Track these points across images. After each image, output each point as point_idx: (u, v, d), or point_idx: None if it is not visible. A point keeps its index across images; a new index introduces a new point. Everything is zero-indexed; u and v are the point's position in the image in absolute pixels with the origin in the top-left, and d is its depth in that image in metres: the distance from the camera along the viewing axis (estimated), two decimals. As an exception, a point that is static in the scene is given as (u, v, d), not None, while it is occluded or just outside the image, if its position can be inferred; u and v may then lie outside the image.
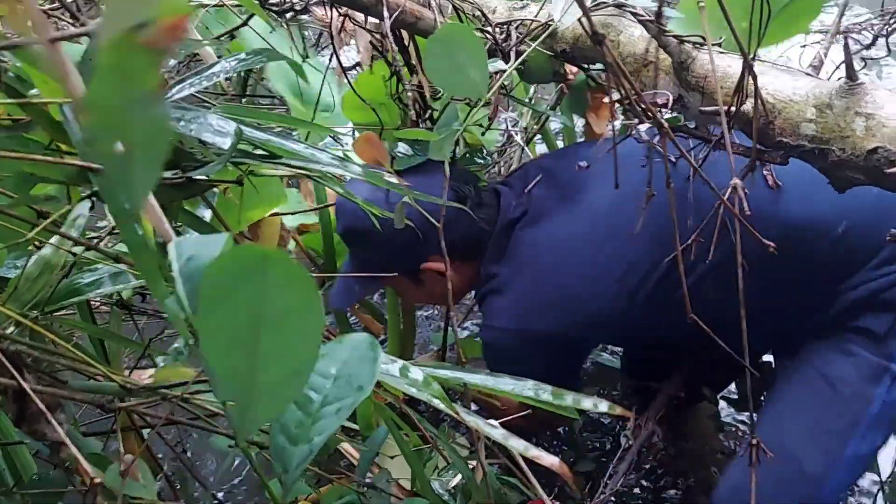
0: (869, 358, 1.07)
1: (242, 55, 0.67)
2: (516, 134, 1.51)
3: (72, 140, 0.53)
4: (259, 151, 0.71)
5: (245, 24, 0.74)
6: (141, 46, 0.31)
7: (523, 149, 1.58)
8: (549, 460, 0.64)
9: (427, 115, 1.14)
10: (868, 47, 1.85)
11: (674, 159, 0.97)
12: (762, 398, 1.44)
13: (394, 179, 0.73)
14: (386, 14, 0.83)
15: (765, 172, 1.11)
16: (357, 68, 1.50)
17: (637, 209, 1.09)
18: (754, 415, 0.94)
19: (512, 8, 1.35)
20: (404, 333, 1.65)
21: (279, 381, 0.37)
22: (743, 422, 1.66)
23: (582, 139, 1.67)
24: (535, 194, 1.24)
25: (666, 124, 0.86)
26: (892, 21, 1.68)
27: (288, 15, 0.92)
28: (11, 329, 0.75)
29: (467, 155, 1.33)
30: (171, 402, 0.58)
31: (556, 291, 1.17)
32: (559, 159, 1.33)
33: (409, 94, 1.07)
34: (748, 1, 1.08)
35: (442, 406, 0.64)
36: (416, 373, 0.62)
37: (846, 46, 0.78)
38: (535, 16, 1.20)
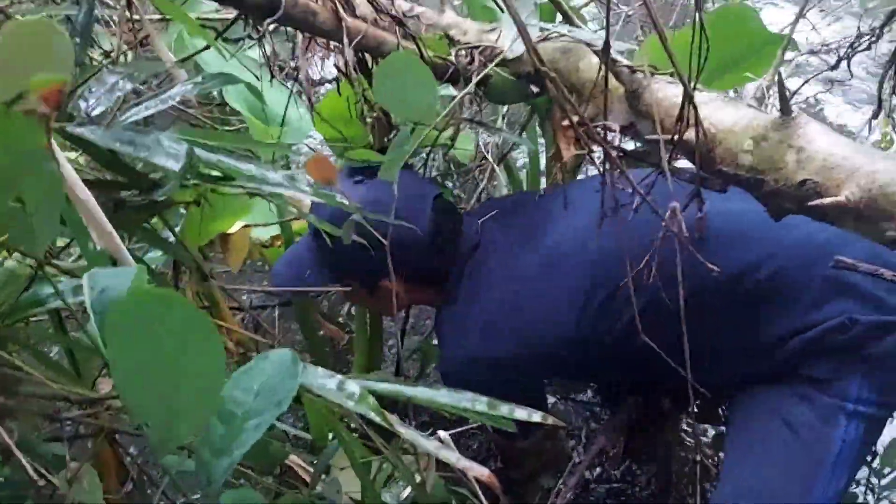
0: (822, 399, 1.09)
1: (199, 78, 0.70)
2: (488, 153, 1.54)
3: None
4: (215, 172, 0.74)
5: (206, 49, 0.77)
6: (22, 114, 0.34)
7: (494, 169, 1.62)
8: (478, 471, 0.66)
9: (392, 135, 1.17)
10: (833, 68, 1.89)
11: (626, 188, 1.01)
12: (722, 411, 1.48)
13: (343, 200, 0.76)
14: (346, 41, 0.86)
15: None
16: (333, 83, 1.53)
17: (587, 238, 1.15)
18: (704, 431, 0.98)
19: (482, 31, 1.39)
20: (371, 342, 1.67)
21: (191, 403, 0.40)
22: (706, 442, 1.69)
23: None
24: (493, 224, 1.28)
25: (613, 152, 0.90)
26: (855, 45, 1.72)
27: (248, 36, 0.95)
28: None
29: (436, 179, 1.36)
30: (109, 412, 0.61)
31: (506, 319, 1.20)
32: (518, 199, 1.40)
33: (373, 113, 1.10)
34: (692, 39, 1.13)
35: (377, 419, 0.67)
36: (353, 387, 0.65)
37: (780, 83, 0.82)
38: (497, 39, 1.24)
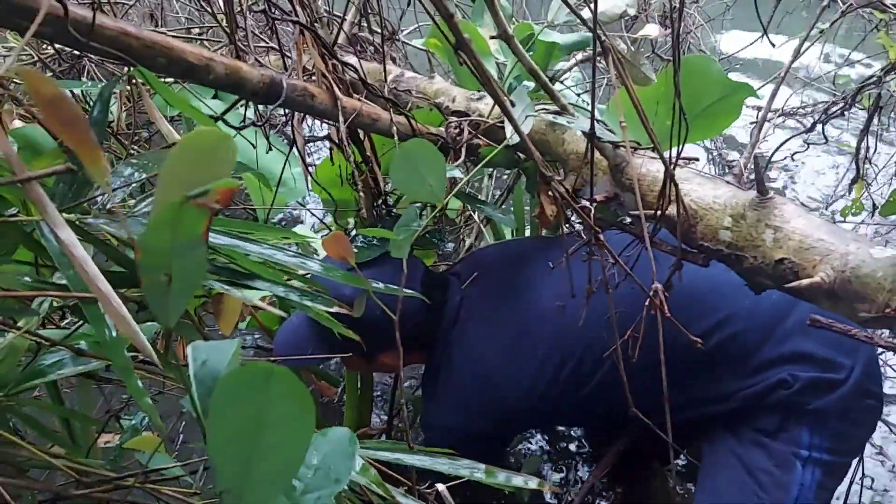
0: (775, 446, 1.14)
1: None
2: (474, 212, 1.58)
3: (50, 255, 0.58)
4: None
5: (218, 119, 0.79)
6: (195, 207, 0.41)
7: (482, 228, 1.65)
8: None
9: (381, 201, 1.20)
10: (808, 131, 1.96)
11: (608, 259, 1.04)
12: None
13: (357, 275, 0.78)
14: (342, 119, 0.90)
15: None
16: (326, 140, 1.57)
17: (557, 315, 1.20)
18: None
19: (469, 98, 1.43)
20: (361, 400, 1.68)
21: (272, 474, 0.43)
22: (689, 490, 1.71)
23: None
24: (473, 291, 1.31)
25: (596, 228, 0.93)
26: (829, 111, 1.79)
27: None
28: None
29: (426, 235, 1.39)
30: (131, 487, 0.62)
31: (479, 397, 1.24)
32: (502, 256, 1.41)
33: (364, 182, 1.13)
34: (669, 103, 1.18)
35: (379, 492, 0.68)
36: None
37: (756, 163, 0.86)
38: (491, 110, 1.28)
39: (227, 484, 0.44)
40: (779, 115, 2.22)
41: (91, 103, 1.20)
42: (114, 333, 0.56)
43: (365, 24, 1.71)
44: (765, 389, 1.13)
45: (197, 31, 2.17)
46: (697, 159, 1.39)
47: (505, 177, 2.11)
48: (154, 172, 0.68)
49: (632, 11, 1.14)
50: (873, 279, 0.74)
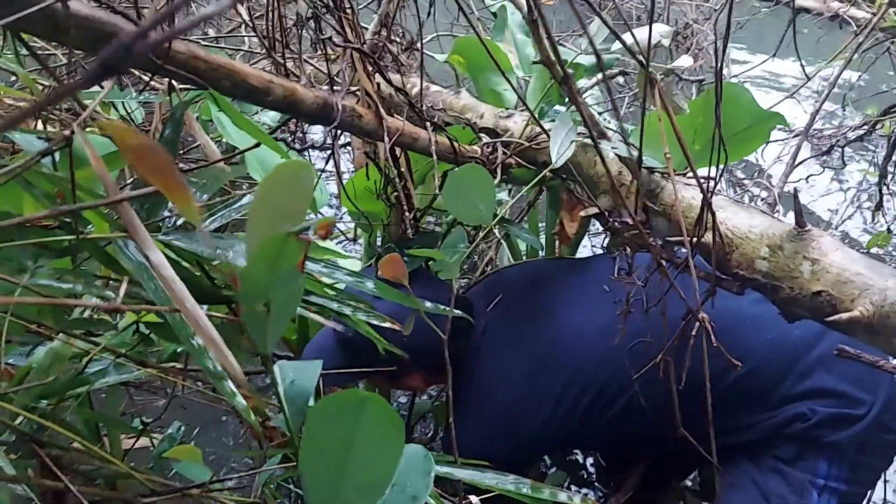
0: (793, 473, 1.16)
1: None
2: (494, 228, 1.59)
3: (125, 269, 0.59)
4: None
5: (251, 148, 0.81)
6: (294, 240, 0.44)
7: (500, 242, 1.66)
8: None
9: (412, 215, 1.22)
10: (826, 153, 1.98)
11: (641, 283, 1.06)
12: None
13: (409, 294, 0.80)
14: (387, 139, 0.91)
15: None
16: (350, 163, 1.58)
17: (580, 339, 1.21)
18: None
19: (497, 116, 1.45)
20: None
21: (360, 493, 0.46)
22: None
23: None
24: (495, 315, 1.31)
25: (663, 261, 0.94)
26: (847, 134, 1.81)
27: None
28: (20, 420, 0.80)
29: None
30: (192, 496, 0.64)
31: (500, 423, 1.25)
32: (523, 279, 1.41)
33: (397, 198, 1.15)
34: (701, 125, 1.20)
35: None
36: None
37: (796, 198, 0.87)
38: (522, 130, 1.30)
39: (317, 501, 0.45)
40: (793, 136, 2.25)
41: (127, 110, 1.21)
42: (199, 342, 0.58)
43: (385, 34, 1.72)
44: (784, 421, 1.15)
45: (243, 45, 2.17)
46: (716, 180, 1.41)
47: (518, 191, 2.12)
48: (213, 191, 0.69)
49: (666, 43, 1.16)
50: (913, 316, 0.76)
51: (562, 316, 1.27)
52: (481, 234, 0.92)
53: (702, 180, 0.92)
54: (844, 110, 2.81)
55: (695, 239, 0.96)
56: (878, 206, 1.57)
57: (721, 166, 0.95)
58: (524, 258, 1.88)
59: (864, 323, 0.79)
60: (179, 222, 0.63)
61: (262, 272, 0.43)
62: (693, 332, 0.92)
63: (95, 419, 1.03)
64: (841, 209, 2.72)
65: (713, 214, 0.93)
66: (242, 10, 1.50)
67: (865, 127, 1.64)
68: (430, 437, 1.80)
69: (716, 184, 0.95)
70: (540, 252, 1.82)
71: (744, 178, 2.72)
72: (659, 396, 1.05)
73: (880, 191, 1.51)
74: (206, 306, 0.68)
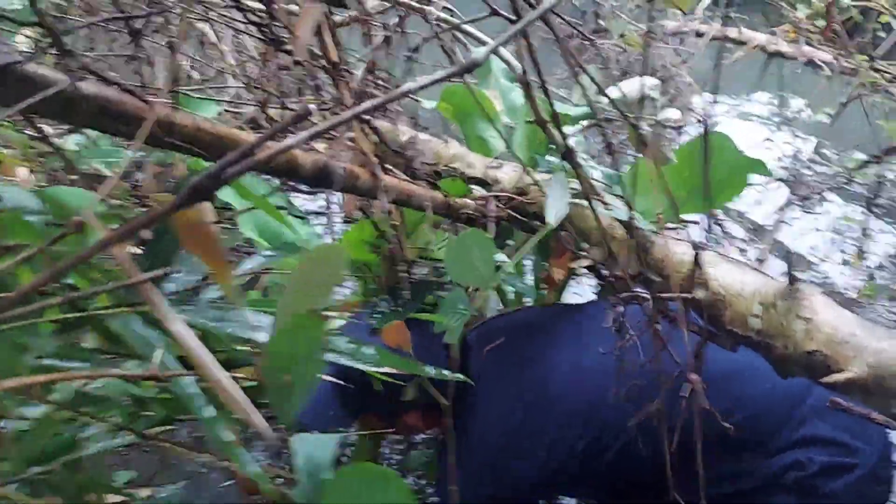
0: None
1: (268, 252, 0.76)
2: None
3: (127, 343, 0.59)
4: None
5: (250, 209, 0.81)
6: (317, 318, 0.46)
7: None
8: None
9: (405, 269, 1.22)
10: (805, 199, 2.02)
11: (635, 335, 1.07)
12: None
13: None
14: (383, 199, 0.92)
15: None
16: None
17: (574, 384, 1.21)
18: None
19: (487, 166, 1.46)
20: (370, 457, 1.67)
21: None
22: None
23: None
24: (488, 363, 1.30)
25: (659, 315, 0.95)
26: (826, 182, 1.86)
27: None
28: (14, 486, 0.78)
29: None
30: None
31: (494, 466, 1.24)
32: (515, 326, 1.41)
33: (391, 249, 1.15)
34: (684, 174, 1.22)
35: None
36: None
37: (788, 256, 0.89)
38: (511, 180, 1.31)
39: None
40: (776, 179, 2.30)
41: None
42: (211, 412, 0.57)
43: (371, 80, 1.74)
44: (781, 468, 1.16)
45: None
46: (698, 222, 1.43)
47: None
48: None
49: (654, 95, 1.18)
50: (907, 377, 0.77)
51: (556, 362, 1.27)
52: (481, 297, 0.93)
53: (692, 239, 0.94)
54: (821, 159, 2.88)
55: (686, 295, 0.97)
56: (861, 255, 1.60)
57: (705, 215, 0.97)
58: (512, 303, 1.88)
59: (860, 384, 0.80)
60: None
61: (287, 347, 0.45)
62: (688, 386, 0.93)
63: (86, 483, 1.00)
64: (820, 247, 2.77)
65: (702, 269, 0.95)
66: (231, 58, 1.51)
67: (842, 178, 1.69)
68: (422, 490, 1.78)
69: (705, 245, 0.96)
70: (526, 296, 1.83)
71: (722, 219, 2.78)
72: (656, 443, 1.05)
73: (863, 236, 1.55)
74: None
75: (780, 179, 2.45)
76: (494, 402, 1.27)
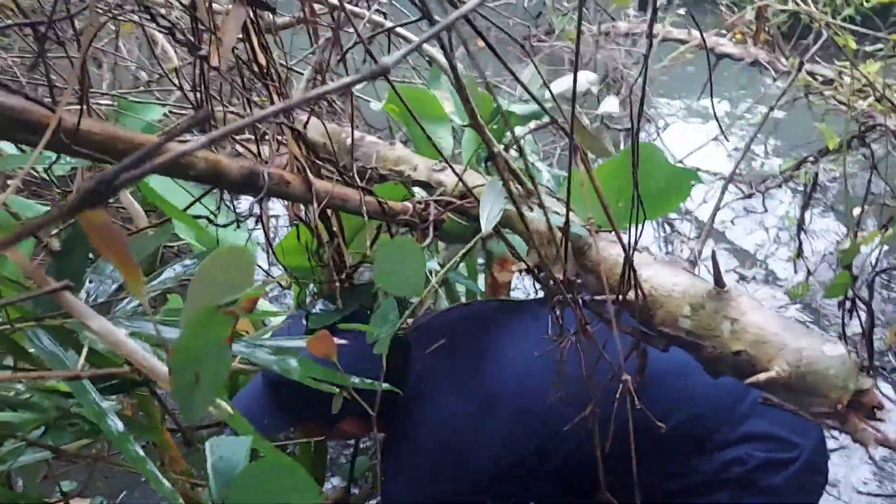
0: None
1: (188, 261, 0.74)
2: (431, 275, 1.59)
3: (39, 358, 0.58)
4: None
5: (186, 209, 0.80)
6: (223, 314, 0.46)
7: (437, 290, 1.67)
8: None
9: (344, 275, 1.21)
10: (747, 197, 2.06)
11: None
12: None
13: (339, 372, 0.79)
14: (315, 204, 0.91)
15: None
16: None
17: (521, 385, 1.21)
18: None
19: (431, 169, 1.46)
20: (314, 464, 1.65)
21: None
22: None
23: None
24: (435, 359, 1.30)
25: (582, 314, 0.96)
26: (768, 184, 1.90)
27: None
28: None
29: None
30: None
31: (440, 468, 1.24)
32: (463, 320, 1.41)
33: (328, 256, 1.15)
34: (621, 184, 1.23)
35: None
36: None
37: (714, 259, 0.90)
38: (455, 184, 1.31)
39: None
40: (719, 179, 2.35)
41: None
42: (120, 428, 0.57)
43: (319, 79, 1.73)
44: (723, 465, 1.18)
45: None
46: (637, 238, 1.45)
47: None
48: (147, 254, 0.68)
49: (594, 90, 1.20)
50: (826, 376, 0.79)
51: (506, 358, 1.27)
52: (411, 307, 0.93)
53: (624, 239, 0.95)
54: (767, 156, 2.95)
55: (620, 297, 0.99)
56: (799, 254, 1.64)
57: (643, 226, 0.98)
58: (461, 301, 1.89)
59: (782, 382, 0.82)
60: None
61: (194, 344, 0.45)
62: (628, 386, 0.94)
63: (15, 499, 0.98)
64: (766, 245, 2.84)
65: (634, 272, 0.96)
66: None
67: (781, 177, 1.73)
68: (367, 495, 1.78)
69: (636, 242, 0.97)
70: (478, 296, 1.84)
71: (675, 218, 2.82)
72: (611, 443, 1.06)
73: (799, 238, 1.59)
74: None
75: (723, 178, 2.50)
76: (443, 399, 1.27)
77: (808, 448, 1.18)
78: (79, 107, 0.65)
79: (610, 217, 0.96)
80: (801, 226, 1.62)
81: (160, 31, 1.02)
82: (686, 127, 4.07)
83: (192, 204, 0.87)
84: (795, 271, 2.27)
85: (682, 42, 3.78)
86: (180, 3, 0.86)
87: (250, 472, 0.49)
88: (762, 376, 0.82)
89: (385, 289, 0.89)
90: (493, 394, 1.25)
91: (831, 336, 0.91)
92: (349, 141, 1.67)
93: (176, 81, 1.21)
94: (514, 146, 1.87)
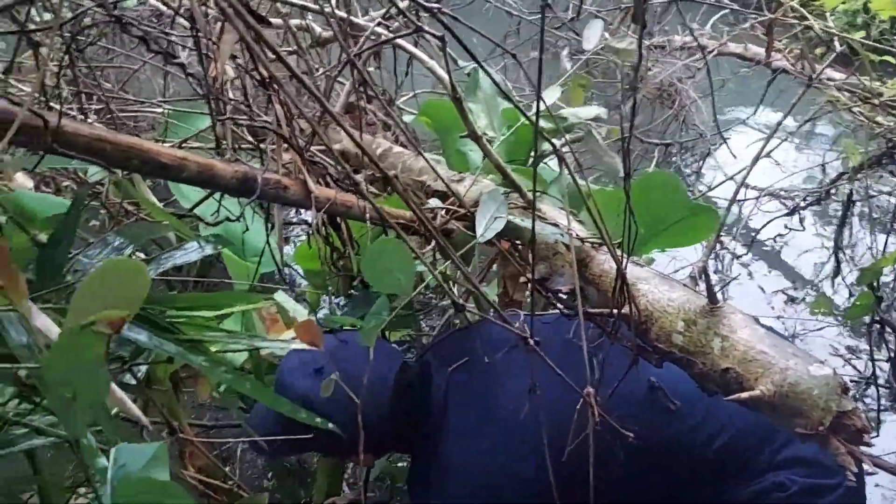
0: None
1: (195, 244, 0.78)
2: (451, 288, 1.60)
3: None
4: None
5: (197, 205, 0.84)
6: (93, 333, 0.45)
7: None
8: None
9: (356, 280, 1.24)
10: (789, 215, 1.99)
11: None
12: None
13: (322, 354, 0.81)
14: (314, 209, 0.94)
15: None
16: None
17: (539, 404, 1.19)
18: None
19: (451, 179, 1.48)
20: (334, 467, 1.68)
21: None
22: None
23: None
24: (459, 377, 1.29)
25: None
26: (808, 200, 1.84)
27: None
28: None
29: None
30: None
31: (464, 488, 1.22)
32: (481, 338, 1.37)
33: (341, 262, 1.17)
34: (639, 211, 1.22)
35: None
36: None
37: (706, 275, 0.89)
38: (470, 193, 1.33)
39: None
40: (764, 194, 2.28)
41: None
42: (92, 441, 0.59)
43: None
44: (763, 490, 1.14)
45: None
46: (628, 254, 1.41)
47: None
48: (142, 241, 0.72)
49: (604, 116, 1.19)
50: (809, 396, 0.77)
51: (515, 377, 1.25)
52: (401, 304, 0.94)
53: (622, 253, 0.94)
54: (825, 171, 2.85)
55: (616, 311, 0.98)
56: (836, 273, 1.58)
57: (634, 241, 0.97)
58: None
59: (766, 401, 0.80)
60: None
61: (64, 363, 0.45)
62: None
63: (31, 482, 1.04)
64: (818, 266, 2.73)
65: (628, 287, 0.95)
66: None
67: (818, 194, 1.68)
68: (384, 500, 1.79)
69: (628, 257, 0.96)
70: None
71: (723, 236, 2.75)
72: (631, 465, 1.04)
73: (837, 258, 1.53)
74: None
75: (770, 194, 2.43)
76: (472, 422, 1.25)
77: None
78: (78, 111, 0.69)
79: (603, 234, 0.96)
80: (837, 244, 1.56)
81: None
82: (741, 140, 3.97)
83: (194, 207, 0.91)
84: (834, 291, 2.17)
85: (740, 57, 3.70)
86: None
87: (129, 485, 0.50)
88: (744, 395, 0.81)
89: (373, 285, 0.91)
90: (507, 420, 1.20)
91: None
92: (380, 151, 1.72)
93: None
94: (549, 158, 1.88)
